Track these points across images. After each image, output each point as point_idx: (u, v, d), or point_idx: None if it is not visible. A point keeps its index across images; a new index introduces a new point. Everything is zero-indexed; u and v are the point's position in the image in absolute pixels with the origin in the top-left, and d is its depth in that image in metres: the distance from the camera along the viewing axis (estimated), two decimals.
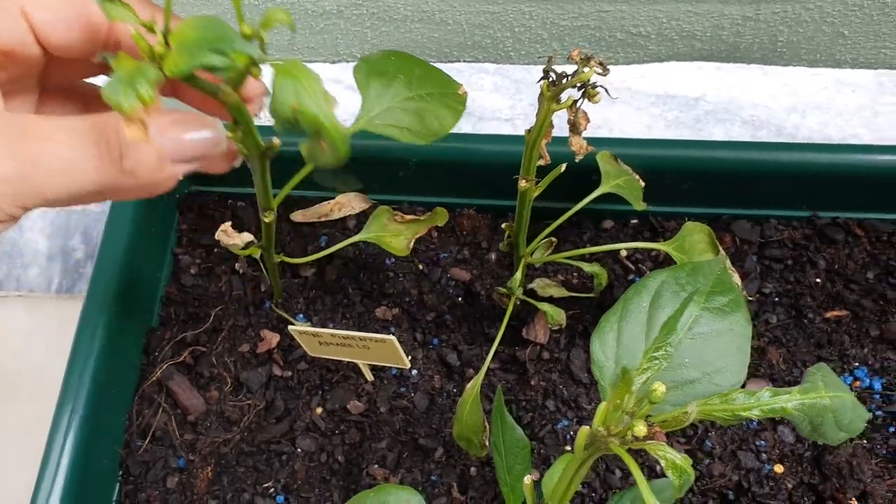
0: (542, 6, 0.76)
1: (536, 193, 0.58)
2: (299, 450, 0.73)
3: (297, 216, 0.80)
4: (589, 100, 0.51)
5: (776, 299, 0.76)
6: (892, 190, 0.75)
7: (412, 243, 0.66)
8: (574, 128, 0.56)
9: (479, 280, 0.78)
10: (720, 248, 0.68)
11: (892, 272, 0.75)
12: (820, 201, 0.77)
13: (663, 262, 0.78)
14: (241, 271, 0.80)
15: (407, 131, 0.54)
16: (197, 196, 0.83)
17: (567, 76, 0.52)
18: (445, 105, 0.55)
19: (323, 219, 0.80)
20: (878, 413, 0.71)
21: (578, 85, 0.51)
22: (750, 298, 0.75)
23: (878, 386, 0.72)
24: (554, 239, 0.68)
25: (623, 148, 0.74)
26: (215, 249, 0.82)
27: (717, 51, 0.80)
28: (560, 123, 0.60)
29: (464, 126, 1.07)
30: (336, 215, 0.80)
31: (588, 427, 0.41)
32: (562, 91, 0.51)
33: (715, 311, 0.50)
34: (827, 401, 0.40)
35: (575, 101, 0.53)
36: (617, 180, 0.70)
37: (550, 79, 0.51)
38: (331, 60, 0.83)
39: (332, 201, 0.80)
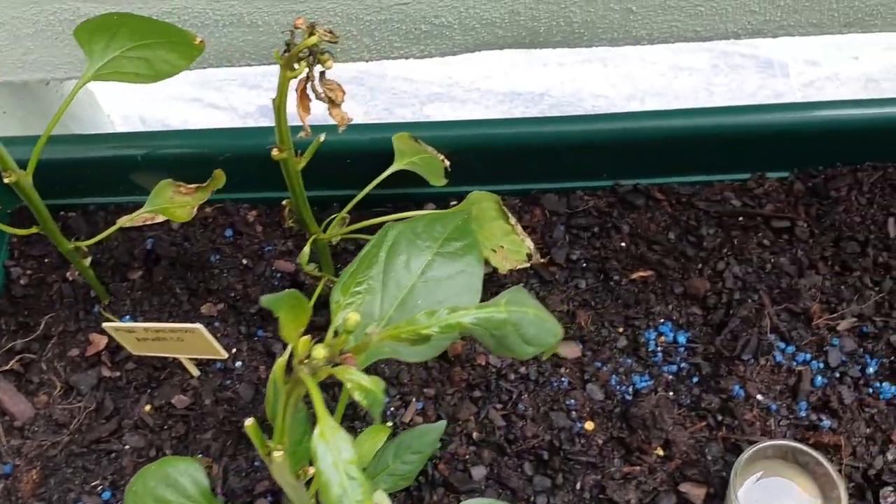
0: (344, 3, 0.79)
1: (301, 165, 0.61)
2: (127, 447, 0.74)
3: (124, 221, 0.82)
4: (322, 65, 0.54)
5: (584, 265, 0.78)
6: (686, 153, 0.79)
7: (195, 210, 0.69)
8: (331, 101, 0.59)
9: (304, 271, 0.80)
10: (509, 214, 0.71)
11: (691, 231, 0.78)
12: (621, 170, 0.80)
13: None
14: (71, 279, 0.82)
15: (134, 75, 0.60)
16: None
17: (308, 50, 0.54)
18: (175, 50, 0.60)
19: (148, 222, 0.82)
20: (683, 365, 0.74)
21: (310, 53, 0.53)
22: (560, 264, 0.78)
23: (682, 339, 0.75)
24: (346, 215, 0.70)
25: (430, 130, 0.77)
26: (46, 260, 0.83)
27: (519, 37, 0.84)
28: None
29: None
30: (160, 219, 0.82)
31: (284, 359, 0.43)
32: (293, 58, 0.53)
33: (448, 255, 0.52)
34: (504, 314, 0.42)
35: (318, 70, 0.56)
36: (412, 158, 0.73)
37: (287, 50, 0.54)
38: None
39: (139, 213, 0.81)
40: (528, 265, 0.71)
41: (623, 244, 0.79)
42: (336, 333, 0.44)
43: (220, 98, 1.15)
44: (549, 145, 0.79)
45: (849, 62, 1.10)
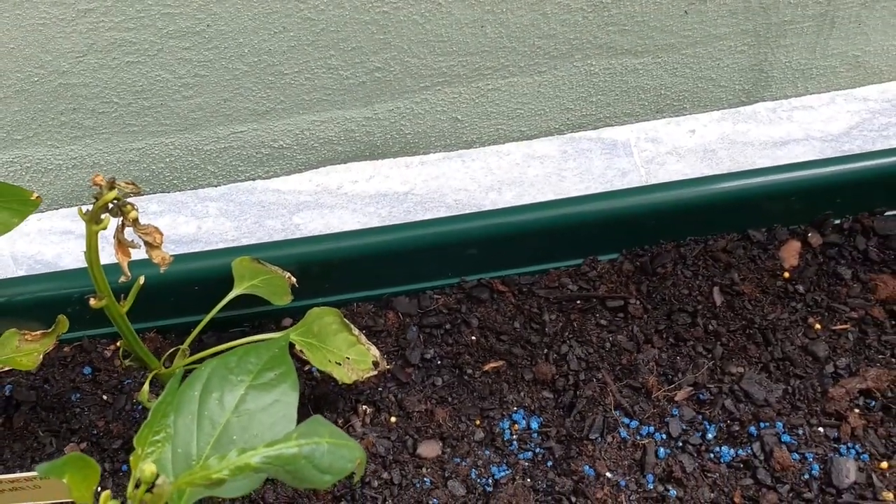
0: (181, 136, 0.83)
1: (126, 308, 0.63)
2: None
3: None
4: (125, 216, 0.56)
5: (439, 362, 0.81)
6: (523, 246, 0.83)
7: (41, 357, 0.69)
8: (148, 244, 0.61)
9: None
10: (352, 325, 0.74)
11: (534, 318, 0.82)
12: (465, 267, 0.84)
13: None
14: None
15: None
16: None
17: (114, 202, 0.57)
18: (8, 208, 0.61)
19: (7, 368, 0.83)
20: (538, 450, 0.76)
21: (114, 206, 0.56)
22: (416, 364, 0.81)
23: (535, 425, 0.78)
24: (186, 348, 0.72)
25: (269, 251, 0.80)
26: None
27: (359, 151, 0.88)
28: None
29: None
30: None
31: None
32: (97, 214, 0.56)
33: (261, 386, 0.54)
34: (294, 449, 0.44)
35: (124, 222, 0.58)
36: (252, 281, 0.75)
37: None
38: None
39: None
40: (375, 373, 0.74)
41: (474, 337, 0.82)
42: (137, 485, 0.45)
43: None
44: (394, 251, 0.82)
45: (687, 136, 1.17)
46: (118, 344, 0.69)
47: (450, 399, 0.80)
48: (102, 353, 0.84)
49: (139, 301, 0.79)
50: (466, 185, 1.19)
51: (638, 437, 0.75)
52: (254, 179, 0.88)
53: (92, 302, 0.60)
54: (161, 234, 0.62)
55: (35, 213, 1.20)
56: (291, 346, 0.75)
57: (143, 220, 0.97)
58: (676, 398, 0.77)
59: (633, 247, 0.85)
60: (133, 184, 0.56)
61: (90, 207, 0.56)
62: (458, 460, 0.76)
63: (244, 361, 0.55)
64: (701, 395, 0.77)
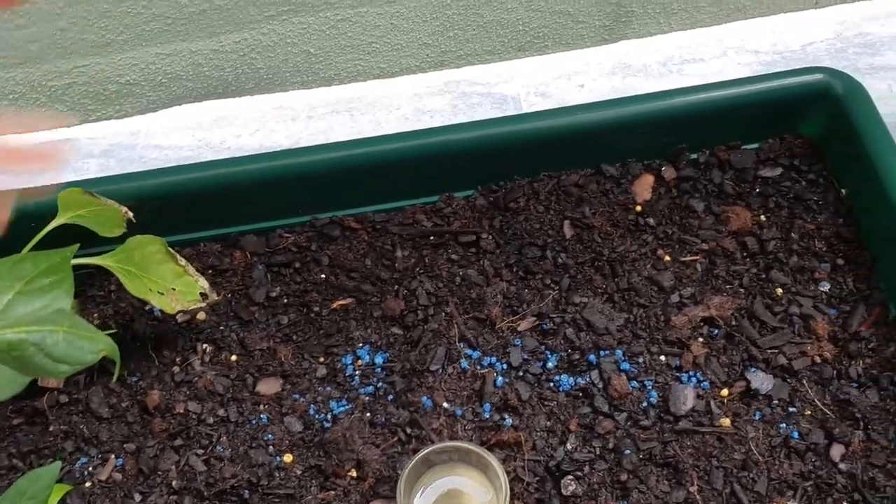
0: (21, 71, 0.80)
1: None
2: None
3: None
4: None
5: (285, 301, 0.79)
6: (377, 182, 0.81)
7: None
8: None
9: None
10: (178, 255, 0.72)
11: (386, 255, 0.80)
12: (317, 204, 0.82)
13: None
14: None
15: None
16: None
17: None
18: None
19: None
20: (380, 385, 0.74)
21: None
22: (260, 303, 0.79)
23: (380, 360, 0.76)
24: None
25: (114, 184, 0.78)
26: None
27: (212, 87, 0.86)
28: None
29: None
30: None
31: None
32: None
33: (31, 292, 0.52)
34: (20, 335, 0.42)
35: None
36: (78, 211, 0.72)
37: None
38: None
39: None
40: (202, 305, 0.72)
41: (323, 276, 0.80)
42: None
43: None
44: (241, 186, 0.80)
45: (576, 90, 1.16)
46: None
47: (294, 337, 0.78)
48: None
49: None
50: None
51: (479, 368, 0.74)
52: (108, 119, 0.86)
53: None
54: None
55: None
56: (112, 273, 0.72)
57: None
58: (520, 328, 0.75)
59: (488, 183, 0.83)
60: None
61: None
62: (297, 396, 0.74)
63: (18, 268, 0.53)
64: (544, 325, 0.75)
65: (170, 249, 0.71)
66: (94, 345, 0.45)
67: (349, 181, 0.81)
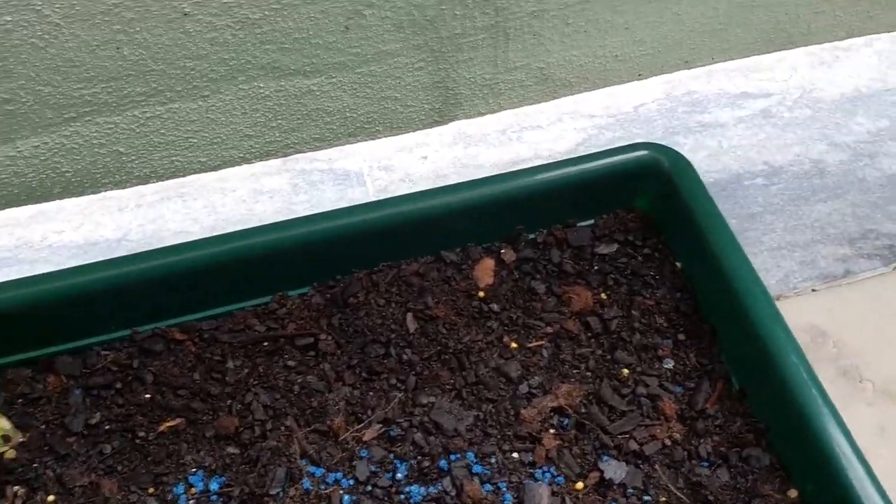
0: None
1: None
2: None
3: None
4: None
5: (107, 427, 0.72)
6: (204, 286, 0.76)
7: None
8: None
9: None
10: None
11: (215, 367, 0.75)
12: (137, 315, 0.76)
13: None
14: None
15: None
16: None
17: None
18: None
19: None
20: None
21: None
22: (79, 433, 0.71)
23: (215, 486, 0.69)
24: None
25: None
26: None
27: (14, 195, 0.78)
28: None
29: None
30: None
31: None
32: None
33: None
34: None
35: None
36: None
37: None
38: None
39: None
40: (6, 448, 0.64)
41: (148, 395, 0.73)
42: None
43: None
44: (49, 303, 0.72)
45: (419, 162, 1.14)
46: None
47: (119, 468, 0.70)
48: None
49: None
50: (188, 226, 1.10)
51: (323, 487, 0.69)
52: None
53: None
54: None
55: None
56: None
57: None
58: (365, 438, 0.71)
59: (324, 278, 0.79)
60: None
61: None
62: None
63: None
64: (391, 432, 0.71)
65: None
66: None
67: (170, 288, 0.75)
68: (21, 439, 0.65)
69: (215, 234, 1.09)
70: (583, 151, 1.07)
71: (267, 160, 0.82)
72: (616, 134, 1.10)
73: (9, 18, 0.63)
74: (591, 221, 0.83)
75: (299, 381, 0.74)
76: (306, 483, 0.69)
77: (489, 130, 1.18)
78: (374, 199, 1.11)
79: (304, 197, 1.14)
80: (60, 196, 0.80)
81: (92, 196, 1.09)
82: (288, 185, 1.15)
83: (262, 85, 0.75)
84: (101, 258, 1.07)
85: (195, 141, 0.78)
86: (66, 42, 0.66)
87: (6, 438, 0.63)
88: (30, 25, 0.64)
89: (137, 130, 0.75)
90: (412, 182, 1.14)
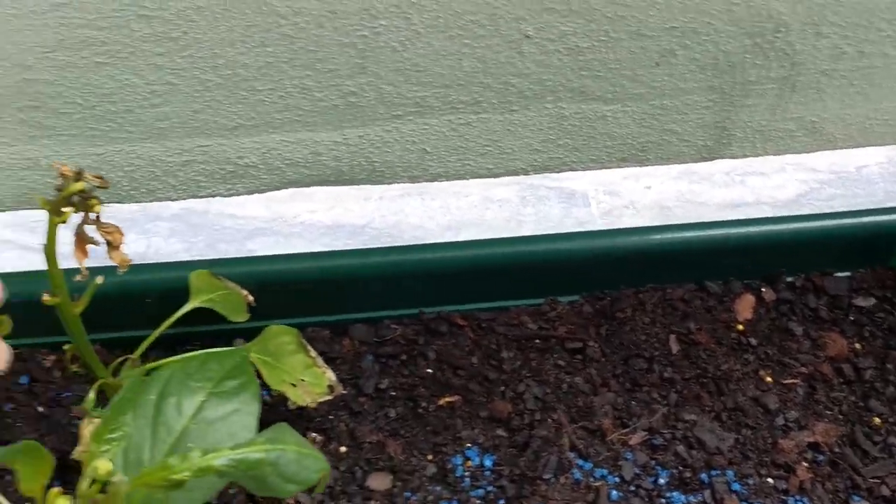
0: (144, 145, 0.81)
1: (79, 309, 0.60)
2: None
3: None
4: (90, 210, 0.54)
5: (393, 393, 0.80)
6: (484, 281, 0.83)
7: None
8: (109, 244, 0.59)
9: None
10: (309, 347, 0.72)
11: (492, 355, 0.82)
12: (425, 298, 0.83)
13: None
14: None
15: None
16: None
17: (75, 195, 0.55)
18: None
19: None
20: (490, 488, 0.75)
21: (78, 199, 0.54)
22: (369, 394, 0.79)
23: (488, 463, 0.76)
24: (136, 358, 0.69)
25: (228, 267, 0.78)
26: None
27: (324, 175, 0.87)
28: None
29: None
30: None
31: None
32: (60, 203, 0.53)
33: (221, 394, 0.52)
34: (260, 454, 0.43)
35: (94, 216, 0.56)
36: (210, 295, 0.73)
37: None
38: None
39: None
40: (330, 397, 0.72)
41: (430, 370, 0.81)
42: (91, 483, 0.43)
43: (34, 239, 1.12)
44: (354, 277, 0.81)
45: (643, 191, 1.20)
46: (65, 348, 0.65)
47: (402, 432, 0.78)
48: (41, 362, 0.80)
49: (87, 311, 0.76)
50: (424, 223, 1.18)
51: (591, 479, 0.75)
52: (213, 196, 0.86)
53: (45, 298, 0.57)
54: (122, 233, 0.60)
55: None
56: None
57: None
58: (630, 442, 0.76)
59: (593, 290, 0.85)
60: (100, 177, 0.54)
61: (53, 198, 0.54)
62: (409, 494, 0.74)
63: (205, 368, 0.53)
64: (654, 441, 0.76)
65: (302, 340, 0.72)
66: (318, 464, 0.45)
67: (456, 280, 0.83)
68: (342, 392, 0.73)
69: (449, 231, 1.17)
70: (804, 203, 1.11)
71: (542, 174, 0.89)
72: (837, 191, 1.13)
73: (382, 23, 0.72)
74: (849, 273, 0.87)
75: (568, 380, 0.80)
76: (576, 473, 0.75)
77: (714, 171, 1.23)
78: (598, 220, 1.17)
79: (531, 210, 1.21)
80: (361, 182, 0.88)
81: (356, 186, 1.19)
82: (516, 196, 1.23)
83: (565, 106, 0.82)
84: (346, 239, 1.17)
85: (490, 149, 0.86)
86: (419, 49, 0.74)
87: (331, 388, 0.72)
88: (396, 31, 0.73)
89: (447, 133, 0.83)
90: (636, 210, 1.20)
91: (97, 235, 0.59)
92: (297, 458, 0.44)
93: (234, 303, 0.74)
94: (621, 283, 0.85)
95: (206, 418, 0.51)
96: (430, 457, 0.77)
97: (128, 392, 0.48)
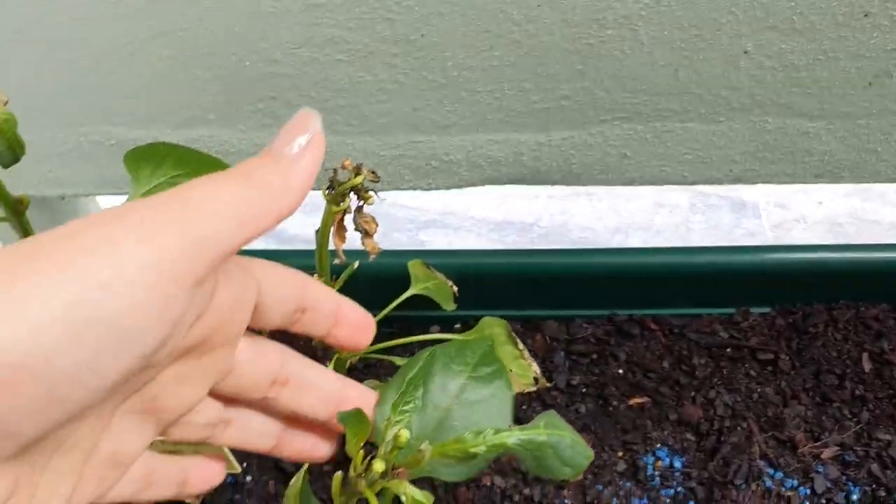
0: (362, 139, 0.86)
1: (336, 288, 0.65)
2: None
3: None
4: (365, 202, 0.59)
5: (584, 390, 0.83)
6: (678, 288, 0.85)
7: None
8: (366, 232, 0.64)
9: None
10: (517, 339, 0.76)
11: (684, 360, 0.84)
12: (617, 300, 0.86)
13: None
14: None
15: None
16: None
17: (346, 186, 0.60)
18: None
19: None
20: (679, 489, 0.77)
21: (354, 191, 0.59)
22: (561, 389, 0.82)
23: (678, 464, 0.78)
24: None
25: (437, 258, 0.83)
26: None
27: (521, 174, 0.91)
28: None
29: None
30: None
31: (341, 472, 0.46)
32: (340, 195, 0.58)
33: (479, 379, 0.56)
34: (544, 437, 0.46)
35: (358, 205, 0.61)
36: (426, 284, 0.77)
37: (330, 187, 0.59)
38: None
39: None
40: (534, 388, 0.75)
41: (620, 371, 0.84)
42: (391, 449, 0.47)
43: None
44: (550, 276, 0.84)
45: (814, 206, 1.19)
46: None
47: (593, 427, 0.81)
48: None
49: None
50: (592, 223, 1.21)
51: (782, 489, 0.76)
52: (415, 189, 0.91)
53: (315, 277, 0.62)
54: (377, 223, 0.64)
55: None
56: None
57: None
58: (822, 456, 0.77)
59: (785, 303, 0.86)
60: (374, 172, 0.59)
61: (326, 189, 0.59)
62: (601, 488, 0.77)
63: (462, 353, 0.57)
64: (846, 457, 0.77)
65: (511, 333, 0.75)
66: (587, 452, 0.48)
67: (649, 284, 0.85)
68: (546, 385, 0.77)
69: (618, 234, 1.19)
70: None
71: (734, 185, 0.91)
72: None
73: (610, 32, 0.75)
74: None
75: (758, 390, 0.82)
76: (767, 482, 0.76)
77: (887, 189, 1.21)
78: (769, 232, 1.18)
79: (701, 217, 1.22)
80: (555, 182, 0.91)
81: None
82: (687, 203, 1.24)
83: (769, 120, 0.83)
84: (514, 236, 1.21)
85: (689, 157, 0.88)
86: (640, 58, 0.77)
87: (536, 380, 0.75)
88: (621, 41, 0.76)
89: (649, 139, 0.86)
90: (806, 224, 1.19)
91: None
92: (571, 444, 0.48)
93: (444, 292, 0.79)
94: (814, 298, 0.86)
95: (468, 400, 0.54)
96: (620, 453, 0.80)
97: (419, 368, 0.53)
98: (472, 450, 0.45)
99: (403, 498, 0.43)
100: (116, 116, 0.82)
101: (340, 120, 0.83)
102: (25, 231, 0.59)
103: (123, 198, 0.70)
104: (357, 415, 0.43)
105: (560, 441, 0.47)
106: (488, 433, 0.46)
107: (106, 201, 1.05)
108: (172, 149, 0.70)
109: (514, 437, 0.46)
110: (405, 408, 0.49)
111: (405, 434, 0.46)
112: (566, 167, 0.90)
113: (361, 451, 0.46)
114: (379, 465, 0.43)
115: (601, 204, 1.22)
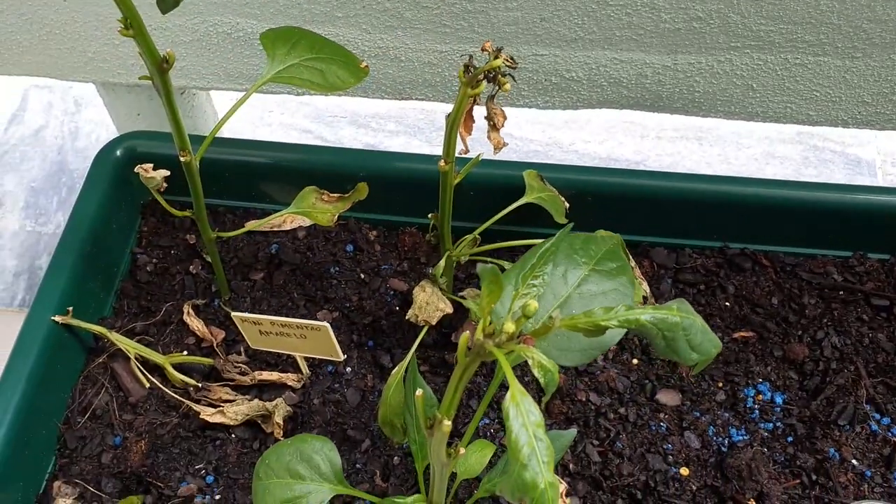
0: (479, 48, 0.85)
1: (458, 180, 0.65)
2: (233, 436, 0.77)
3: (252, 225, 0.87)
4: (500, 88, 0.59)
5: None
6: (794, 225, 0.83)
7: (336, 218, 0.72)
8: (493, 124, 0.63)
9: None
10: (630, 256, 0.75)
11: (794, 299, 0.81)
12: (730, 233, 0.84)
13: None
14: (195, 272, 0.86)
15: (309, 83, 0.63)
16: (156, 203, 0.89)
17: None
18: (346, 67, 0.65)
19: (275, 228, 0.87)
20: (779, 424, 0.76)
21: (489, 77, 0.58)
22: None
23: (779, 400, 0.77)
24: (478, 236, 0.74)
25: (551, 172, 0.82)
26: (173, 251, 0.87)
27: (642, 98, 0.89)
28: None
29: None
30: (287, 227, 0.87)
31: (469, 332, 0.46)
32: (476, 77, 0.58)
33: (603, 272, 0.56)
34: (677, 318, 0.46)
35: (491, 93, 0.61)
36: (540, 194, 0.77)
37: (468, 69, 0.59)
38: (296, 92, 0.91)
39: (283, 213, 0.86)
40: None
41: (727, 304, 0.82)
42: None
43: (330, 133, 1.21)
44: (665, 200, 0.83)
45: None
46: (430, 216, 0.71)
47: None
48: (367, 235, 0.87)
49: (406, 191, 0.82)
50: (700, 168, 1.18)
51: (889, 434, 0.74)
52: (529, 107, 0.90)
53: (440, 165, 0.62)
54: (505, 116, 0.64)
55: (277, 108, 1.26)
56: None
57: (380, 138, 1.02)
58: None
59: None
60: (511, 58, 0.59)
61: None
62: (698, 414, 0.76)
63: (587, 246, 0.57)
64: None
65: (624, 248, 0.74)
66: (716, 341, 0.48)
67: (763, 218, 0.83)
68: (655, 305, 0.76)
69: None
70: None
71: (861, 128, 0.87)
72: None
73: None
74: None
75: (870, 335, 0.79)
76: (872, 426, 0.74)
77: None
78: None
79: (813, 171, 1.18)
80: (674, 111, 0.89)
81: (619, 115, 1.21)
82: (799, 156, 1.20)
83: None
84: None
85: (817, 95, 0.85)
86: None
87: (645, 299, 0.74)
88: None
89: (778, 73, 0.83)
90: None
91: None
92: (703, 330, 0.47)
93: (557, 205, 0.78)
94: None
95: (588, 291, 0.54)
96: (720, 384, 0.78)
97: (552, 245, 0.53)
98: (603, 323, 0.45)
99: (530, 362, 0.44)
100: (247, 7, 0.83)
101: (465, 27, 0.83)
102: (167, 90, 0.61)
103: (241, 95, 0.71)
104: (494, 272, 0.44)
105: (692, 325, 0.47)
106: (620, 309, 0.45)
107: (222, 99, 1.07)
108: (306, 33, 0.71)
109: (647, 314, 0.45)
110: (533, 281, 0.49)
111: (534, 304, 0.46)
112: (689, 94, 0.88)
113: (489, 315, 0.46)
114: (510, 326, 0.44)
115: (711, 149, 1.19)
